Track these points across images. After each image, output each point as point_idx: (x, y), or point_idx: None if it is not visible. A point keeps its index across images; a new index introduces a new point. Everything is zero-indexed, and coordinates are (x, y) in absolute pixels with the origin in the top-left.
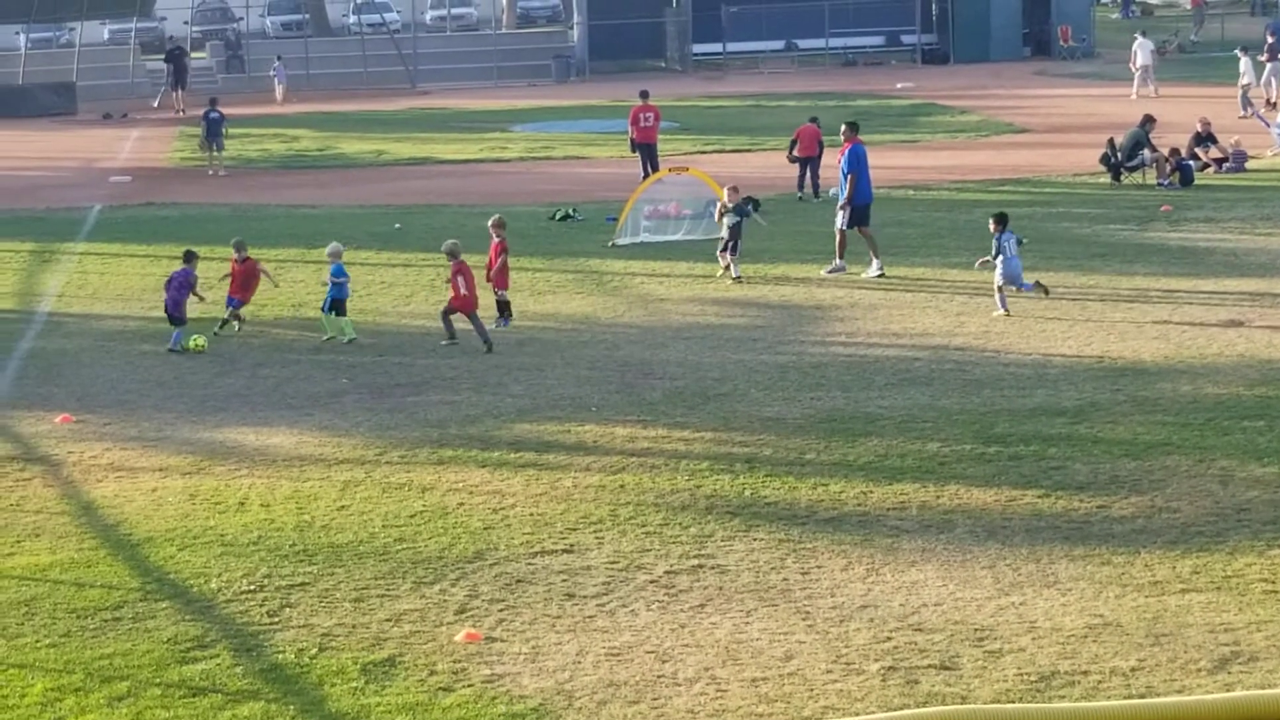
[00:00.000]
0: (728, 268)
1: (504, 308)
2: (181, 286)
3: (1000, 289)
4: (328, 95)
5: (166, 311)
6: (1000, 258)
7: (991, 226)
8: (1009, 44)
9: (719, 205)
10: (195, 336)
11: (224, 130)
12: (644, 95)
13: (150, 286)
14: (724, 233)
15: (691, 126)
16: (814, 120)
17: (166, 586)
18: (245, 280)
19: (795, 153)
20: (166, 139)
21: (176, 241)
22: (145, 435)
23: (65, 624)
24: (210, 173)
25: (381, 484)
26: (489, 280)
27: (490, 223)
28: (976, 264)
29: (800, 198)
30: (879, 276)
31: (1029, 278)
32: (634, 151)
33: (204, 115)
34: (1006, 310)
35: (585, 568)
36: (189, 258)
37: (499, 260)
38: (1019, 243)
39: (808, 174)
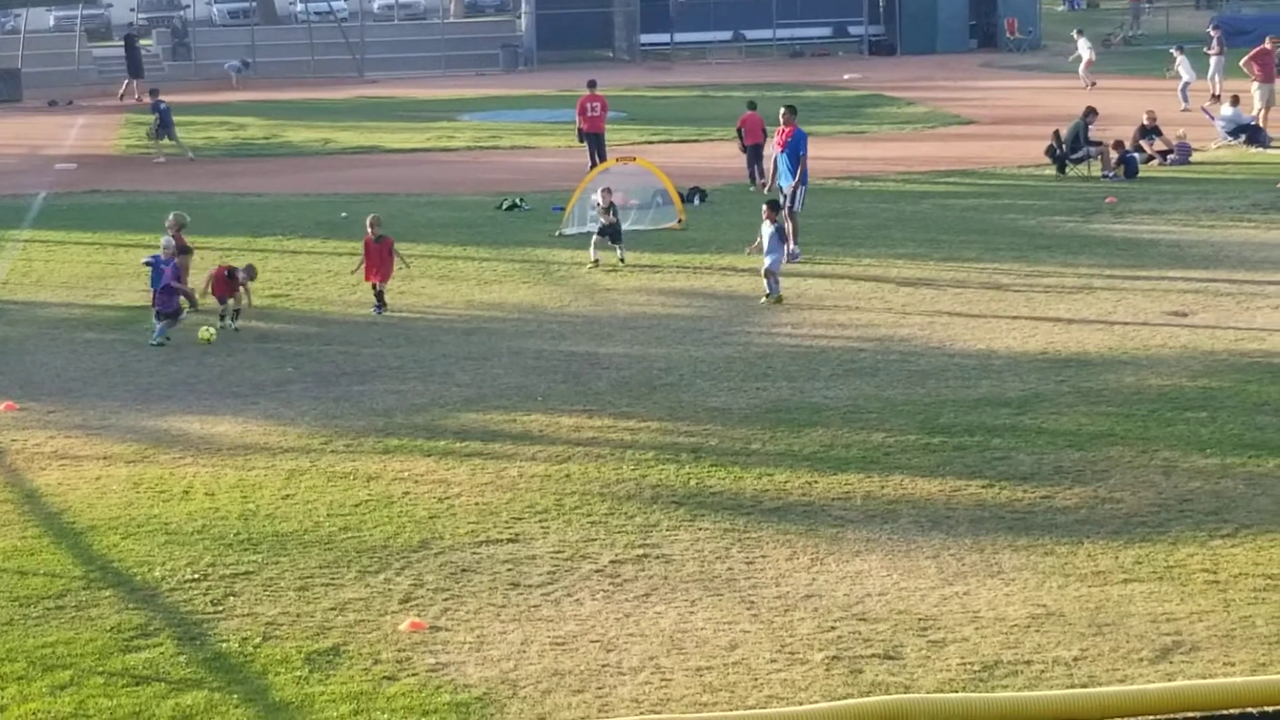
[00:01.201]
0: (596, 262)
1: (381, 298)
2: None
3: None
4: (275, 83)
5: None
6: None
7: (765, 214)
8: (956, 36)
9: (596, 208)
10: (205, 328)
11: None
12: (591, 85)
13: (95, 275)
14: (594, 226)
15: (639, 116)
16: (753, 106)
17: (110, 575)
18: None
19: (745, 141)
20: (112, 126)
21: (122, 229)
22: (89, 423)
23: (7, 612)
24: (160, 160)
25: (326, 473)
26: (371, 278)
27: (368, 220)
28: (779, 258)
29: (753, 189)
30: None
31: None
32: (582, 141)
33: (154, 106)
34: (779, 295)
35: (530, 557)
36: (181, 251)
37: (387, 257)
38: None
39: (756, 164)
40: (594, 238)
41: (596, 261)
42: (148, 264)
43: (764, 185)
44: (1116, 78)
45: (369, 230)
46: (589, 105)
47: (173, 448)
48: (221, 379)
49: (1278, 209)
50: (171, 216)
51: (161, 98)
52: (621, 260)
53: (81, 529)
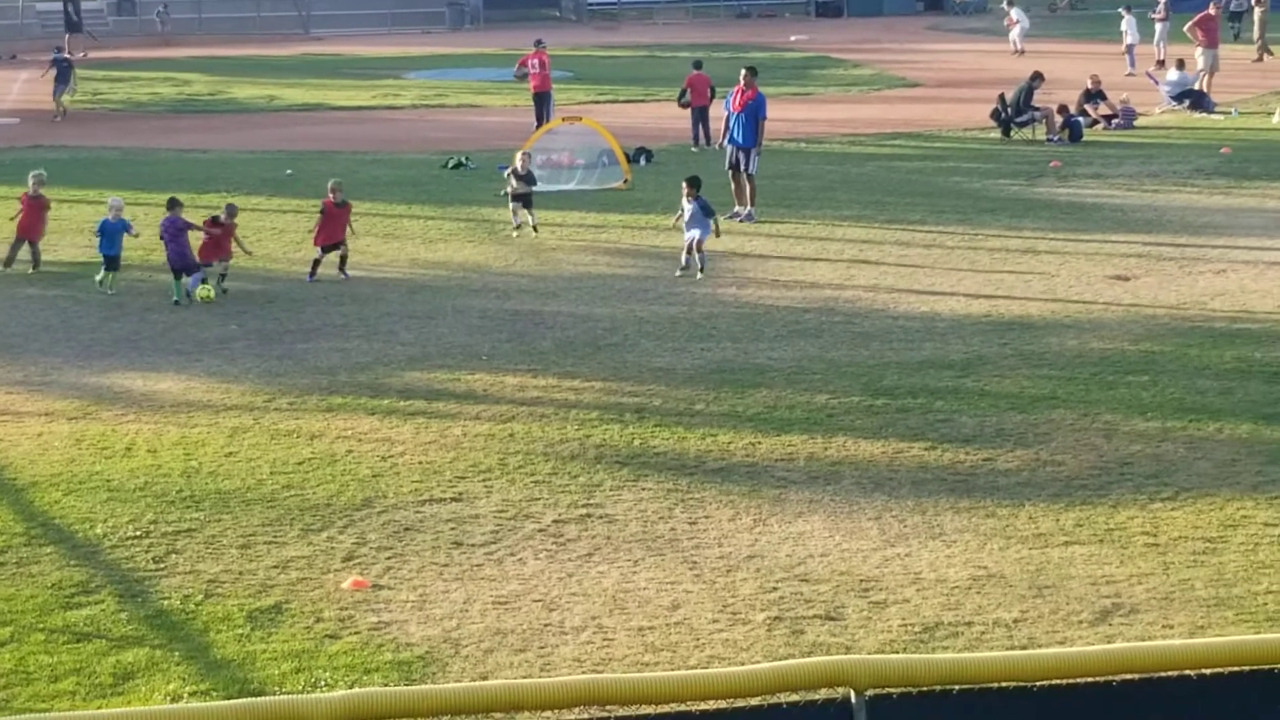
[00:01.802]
0: (519, 226)
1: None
2: (178, 234)
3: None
4: (220, 39)
5: (171, 265)
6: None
7: (685, 191)
8: None
9: (509, 170)
10: (203, 286)
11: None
12: (538, 44)
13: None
14: (509, 191)
15: (585, 76)
16: (698, 65)
17: (51, 531)
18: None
19: (690, 101)
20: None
21: (65, 185)
22: (31, 379)
23: None
24: (57, 119)
25: (270, 431)
26: (323, 240)
27: (331, 185)
28: (674, 220)
29: (694, 149)
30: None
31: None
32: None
33: (54, 61)
34: (688, 267)
35: (473, 516)
36: (173, 204)
37: (345, 223)
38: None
39: (700, 126)
40: (510, 204)
41: (519, 227)
42: (100, 232)
43: (717, 144)
44: (1062, 41)
45: (331, 195)
46: (530, 62)
47: (115, 404)
48: (164, 336)
49: (1220, 174)
50: (31, 177)
51: (65, 54)
52: (534, 229)
53: (23, 485)
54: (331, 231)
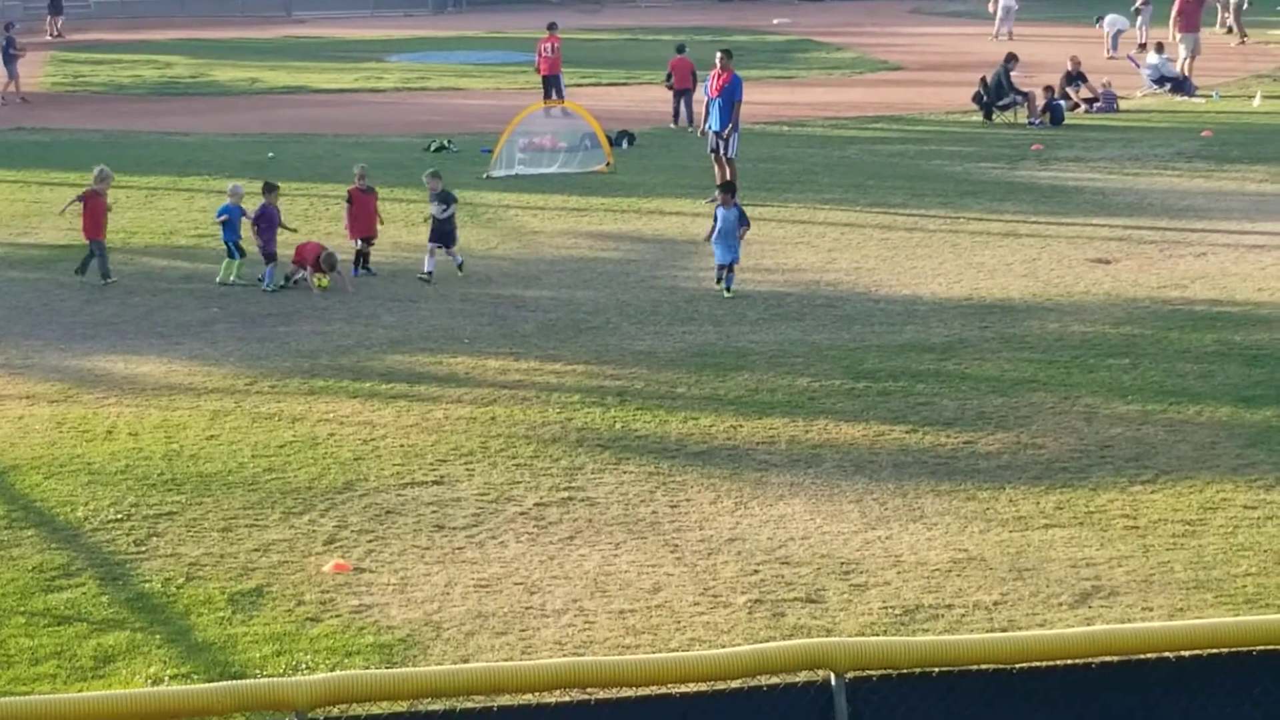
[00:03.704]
0: (430, 274)
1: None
2: (270, 223)
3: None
4: (202, 22)
5: (262, 251)
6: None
7: (721, 199)
8: None
9: (433, 198)
10: (319, 276)
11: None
12: (551, 27)
13: (18, 213)
14: (436, 210)
15: (568, 59)
16: (681, 49)
17: (32, 514)
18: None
19: (673, 84)
20: (38, 64)
21: (47, 167)
22: (12, 362)
23: None
24: (4, 101)
25: (251, 414)
26: (357, 234)
27: (357, 170)
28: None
29: (674, 127)
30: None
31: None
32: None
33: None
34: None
35: (455, 499)
36: (268, 189)
37: (374, 209)
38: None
39: (682, 105)
40: (429, 245)
41: (429, 275)
42: (222, 215)
43: (695, 130)
44: (1043, 24)
45: (357, 181)
46: (543, 47)
47: (96, 387)
48: (146, 319)
49: (1201, 157)
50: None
51: (13, 34)
52: (459, 267)
53: (3, 469)
54: (363, 223)
